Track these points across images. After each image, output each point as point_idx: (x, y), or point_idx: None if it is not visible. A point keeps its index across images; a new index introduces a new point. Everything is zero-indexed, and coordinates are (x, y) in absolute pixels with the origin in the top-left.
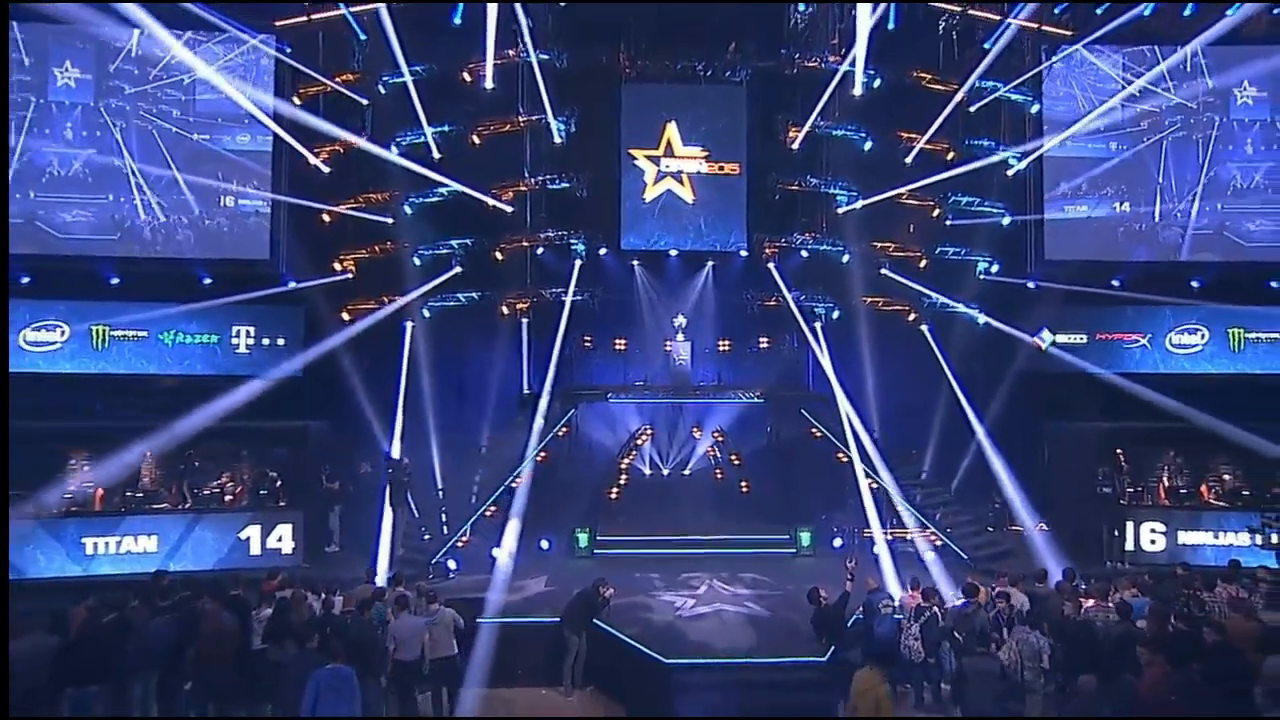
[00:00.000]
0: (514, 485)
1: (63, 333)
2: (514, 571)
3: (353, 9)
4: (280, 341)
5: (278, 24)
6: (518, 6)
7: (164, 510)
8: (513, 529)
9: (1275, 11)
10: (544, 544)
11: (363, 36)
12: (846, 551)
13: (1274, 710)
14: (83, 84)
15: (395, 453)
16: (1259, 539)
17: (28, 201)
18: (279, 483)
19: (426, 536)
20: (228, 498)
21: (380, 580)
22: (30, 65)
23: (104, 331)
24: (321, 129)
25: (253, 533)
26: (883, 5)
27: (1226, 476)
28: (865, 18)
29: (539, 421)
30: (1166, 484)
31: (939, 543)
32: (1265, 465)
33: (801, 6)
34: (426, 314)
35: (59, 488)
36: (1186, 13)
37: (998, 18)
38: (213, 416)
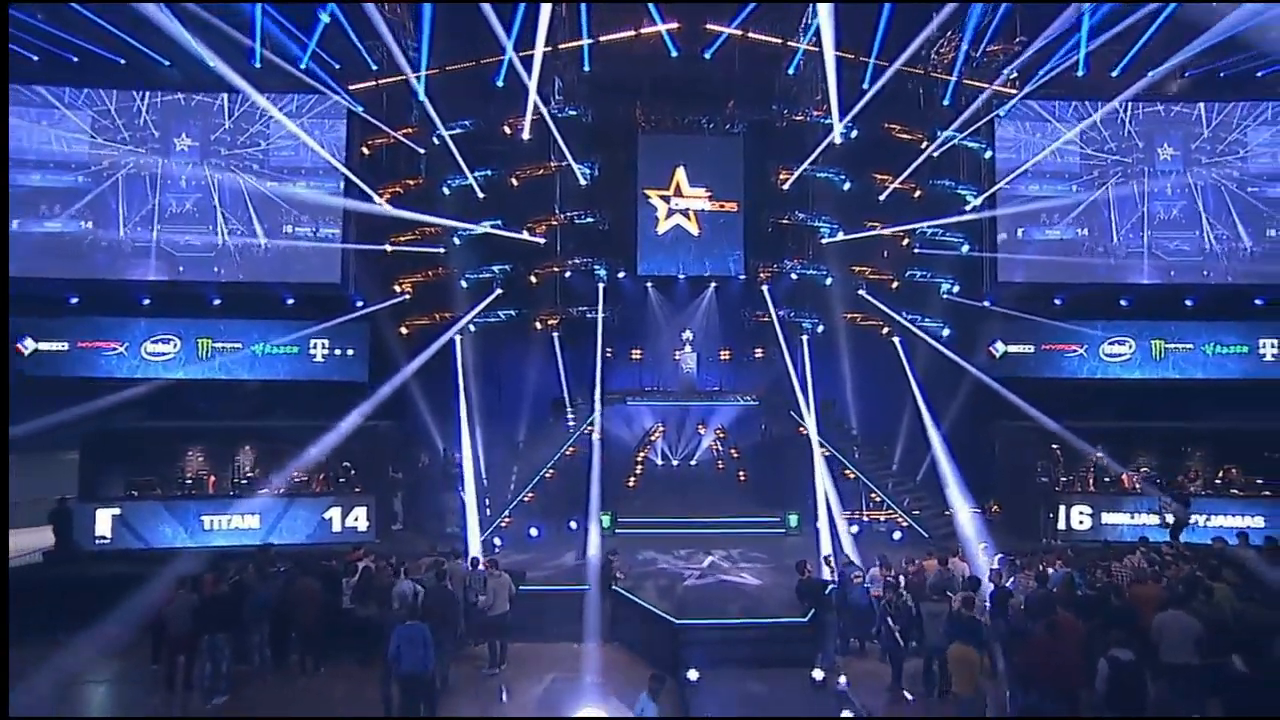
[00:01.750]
0: (548, 476)
1: (175, 345)
2: (549, 548)
3: (413, 75)
4: (350, 352)
5: (351, 88)
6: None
7: (264, 494)
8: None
9: (1186, 74)
10: (573, 524)
11: (420, 97)
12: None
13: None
14: (193, 149)
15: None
16: (1157, 519)
17: (160, 231)
18: (354, 472)
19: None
20: (314, 485)
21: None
22: (159, 136)
23: (208, 344)
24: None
25: (334, 514)
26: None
27: (1145, 469)
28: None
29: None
30: (1094, 473)
31: (905, 523)
32: (1176, 457)
33: (790, 70)
34: (472, 329)
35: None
36: (1115, 74)
37: (952, 78)
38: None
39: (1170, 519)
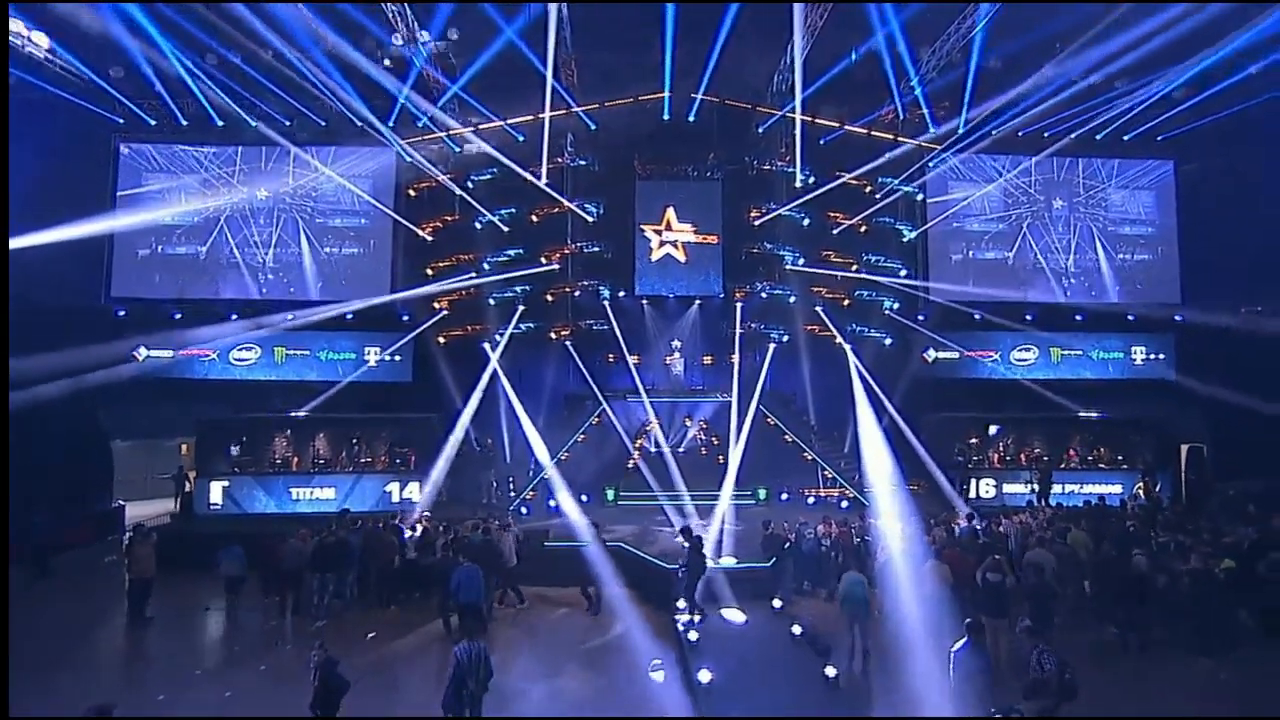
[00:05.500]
0: (563, 458)
1: (255, 352)
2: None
3: (451, 132)
4: (397, 358)
5: (403, 141)
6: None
7: (338, 471)
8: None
9: (1073, 135)
10: (583, 498)
11: (456, 149)
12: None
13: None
14: (267, 200)
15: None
16: (1027, 488)
17: (248, 259)
18: (409, 455)
19: (498, 491)
20: (377, 465)
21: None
22: (247, 191)
23: (282, 351)
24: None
25: (393, 487)
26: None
27: (1038, 450)
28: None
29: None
30: (999, 453)
31: (851, 495)
32: (1063, 439)
33: (760, 130)
34: (499, 338)
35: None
36: (1020, 134)
37: (892, 136)
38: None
39: (1036, 486)
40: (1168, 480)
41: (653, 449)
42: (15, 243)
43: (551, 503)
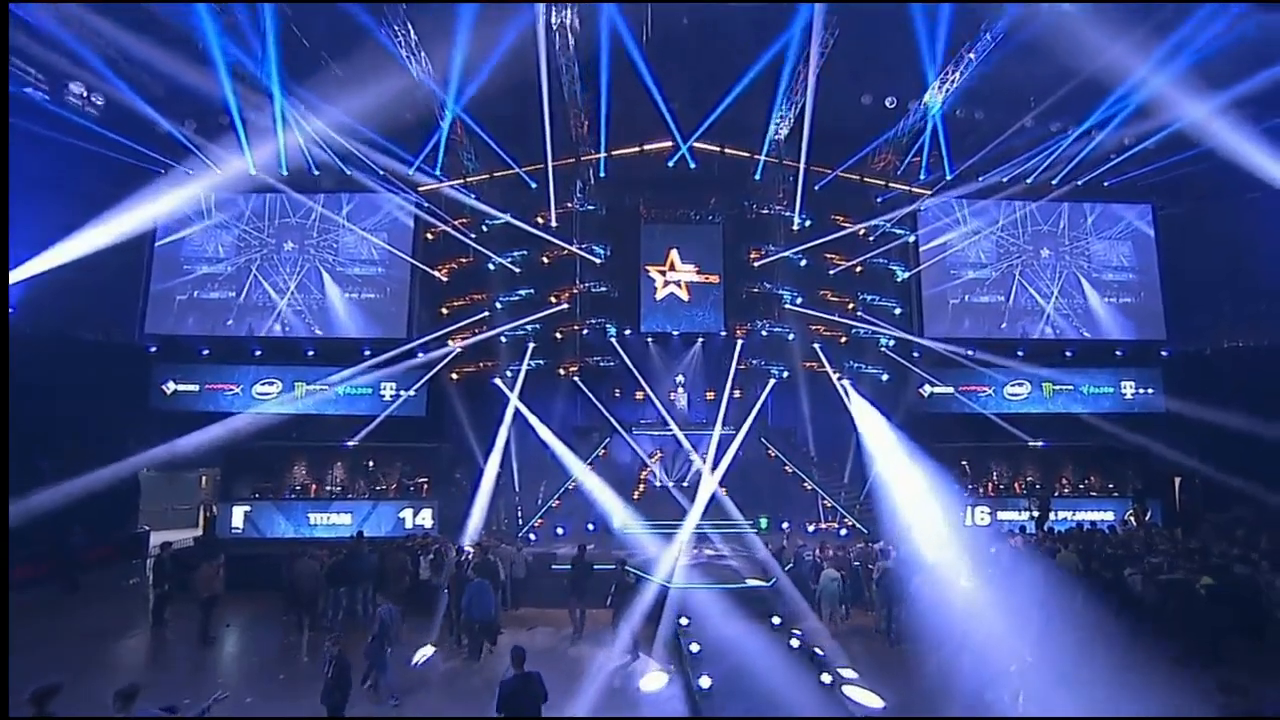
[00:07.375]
0: (570, 486)
1: (276, 386)
2: (573, 542)
3: (465, 180)
4: (411, 392)
5: (420, 189)
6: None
7: (354, 498)
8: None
9: (1055, 182)
10: (590, 526)
11: (473, 195)
12: (789, 532)
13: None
14: (294, 250)
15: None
16: (1024, 515)
17: (274, 301)
18: (423, 482)
19: (506, 518)
20: (391, 492)
21: None
22: (274, 243)
23: (302, 385)
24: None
25: (407, 513)
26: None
27: (1030, 478)
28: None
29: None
30: (994, 481)
31: (850, 523)
32: (1055, 468)
33: (757, 176)
34: (510, 374)
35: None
36: (1005, 180)
37: (884, 183)
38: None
39: (1035, 513)
40: (1159, 507)
41: (657, 483)
42: (45, 263)
43: (559, 530)
